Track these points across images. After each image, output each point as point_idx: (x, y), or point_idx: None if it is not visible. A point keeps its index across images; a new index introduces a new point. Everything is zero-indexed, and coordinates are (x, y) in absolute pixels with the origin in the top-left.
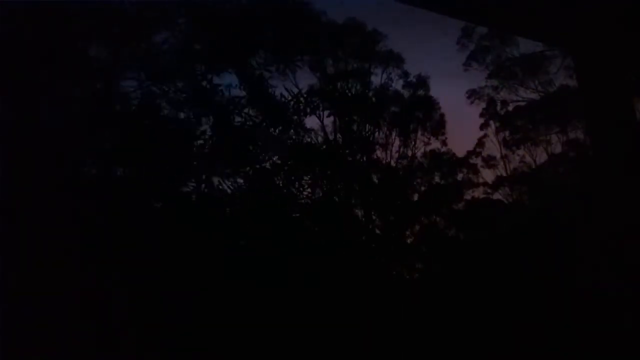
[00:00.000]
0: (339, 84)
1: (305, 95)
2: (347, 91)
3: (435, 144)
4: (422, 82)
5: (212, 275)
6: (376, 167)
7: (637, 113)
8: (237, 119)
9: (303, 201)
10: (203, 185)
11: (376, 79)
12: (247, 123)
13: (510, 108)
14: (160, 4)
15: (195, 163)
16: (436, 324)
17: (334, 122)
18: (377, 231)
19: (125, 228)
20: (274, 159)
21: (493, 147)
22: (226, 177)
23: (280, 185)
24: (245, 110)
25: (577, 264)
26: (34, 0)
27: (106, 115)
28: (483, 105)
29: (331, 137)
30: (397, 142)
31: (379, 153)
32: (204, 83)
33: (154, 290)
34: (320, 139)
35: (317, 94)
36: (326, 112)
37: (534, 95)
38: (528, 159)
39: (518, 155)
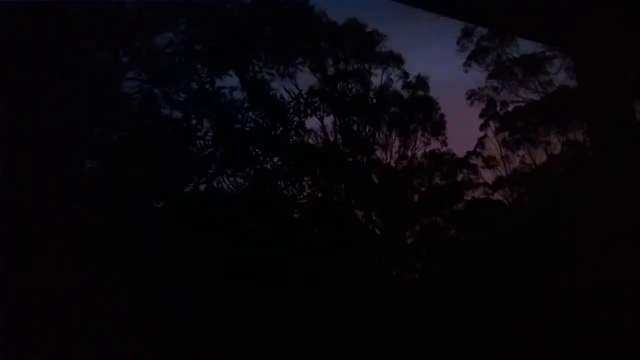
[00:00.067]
0: (339, 85)
1: (305, 96)
2: (347, 92)
3: (435, 145)
4: (422, 82)
5: (212, 276)
6: (376, 167)
7: (637, 113)
8: (238, 120)
9: (303, 202)
10: (204, 186)
11: (376, 80)
12: (248, 125)
13: (510, 109)
14: (161, 4)
15: (195, 164)
16: (436, 324)
17: (334, 122)
18: (377, 231)
19: (125, 228)
20: (275, 159)
21: (493, 148)
22: (226, 178)
23: (281, 185)
24: (246, 112)
25: (577, 264)
26: (34, 0)
27: (106, 116)
28: (483, 106)
29: (331, 138)
30: (397, 143)
31: (379, 153)
32: (206, 85)
33: (154, 291)
34: (320, 139)
35: (317, 94)
36: (326, 113)
37: (534, 96)
38: (528, 159)
39: (518, 155)
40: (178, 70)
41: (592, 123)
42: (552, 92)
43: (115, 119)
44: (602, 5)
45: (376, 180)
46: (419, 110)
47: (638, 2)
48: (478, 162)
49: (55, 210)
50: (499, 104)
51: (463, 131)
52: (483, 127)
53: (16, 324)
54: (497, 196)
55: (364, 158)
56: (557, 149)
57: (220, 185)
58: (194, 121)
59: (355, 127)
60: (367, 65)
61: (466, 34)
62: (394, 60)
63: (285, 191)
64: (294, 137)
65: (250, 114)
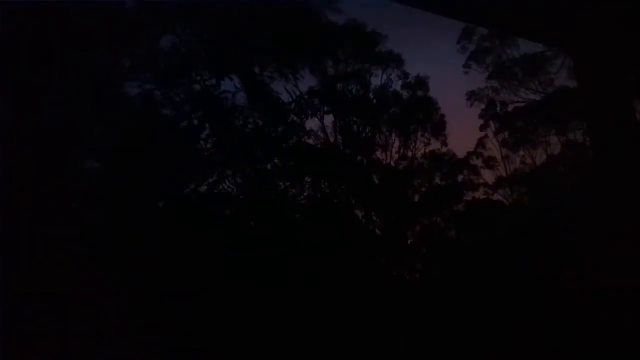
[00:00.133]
0: (338, 85)
1: (306, 97)
2: (347, 92)
3: (435, 145)
4: (421, 82)
5: (212, 276)
6: (376, 167)
7: (637, 113)
8: (239, 120)
9: (303, 202)
10: (204, 186)
11: (376, 80)
12: (249, 126)
13: (510, 109)
14: (161, 4)
15: (196, 164)
16: (436, 324)
17: (334, 123)
18: (377, 232)
19: (125, 228)
20: (275, 160)
21: (493, 148)
22: (227, 178)
23: (281, 186)
24: (247, 113)
25: (577, 264)
26: (34, 0)
27: (107, 116)
28: (483, 106)
29: (331, 138)
30: (397, 143)
31: (379, 154)
32: (207, 86)
33: (154, 290)
34: (320, 140)
35: (317, 95)
36: (326, 113)
37: (535, 96)
38: (528, 159)
39: (518, 155)
40: (179, 71)
41: (592, 123)
42: (552, 92)
43: (115, 119)
44: (602, 5)
45: (376, 181)
46: (419, 110)
47: (638, 2)
48: (478, 162)
49: (55, 210)
50: (498, 105)
51: (463, 131)
52: (483, 127)
53: (16, 324)
54: (497, 196)
55: (364, 158)
56: (557, 149)
57: (220, 186)
58: (195, 122)
59: (355, 128)
60: (367, 66)
61: (466, 34)
62: (394, 60)
63: (285, 191)
64: (294, 139)
65: (251, 115)
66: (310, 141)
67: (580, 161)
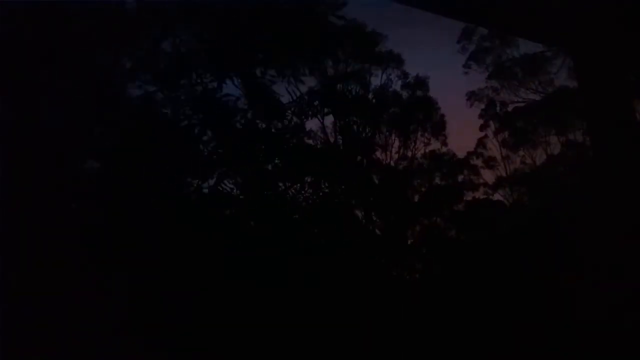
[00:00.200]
0: (338, 86)
1: (306, 98)
2: (347, 93)
3: (435, 145)
4: (421, 82)
5: (212, 276)
6: (376, 168)
7: (637, 113)
8: (239, 121)
9: (303, 202)
10: (204, 187)
11: (376, 80)
12: (249, 127)
13: (510, 109)
14: (162, 4)
15: (196, 164)
16: (437, 324)
17: (334, 123)
18: (378, 232)
19: (125, 228)
20: (276, 161)
21: (493, 148)
22: (227, 179)
23: (281, 186)
24: (247, 113)
25: (577, 264)
26: (34, 0)
27: (107, 116)
28: (482, 106)
29: (331, 139)
30: (397, 143)
31: (379, 154)
32: (208, 87)
33: (154, 291)
34: (320, 140)
35: (318, 95)
36: (326, 114)
37: (535, 96)
38: (528, 159)
39: (518, 155)
40: (179, 71)
41: (592, 123)
42: (552, 92)
43: (115, 119)
44: (602, 5)
45: (376, 181)
46: (419, 110)
47: (638, 2)
48: (478, 162)
49: (55, 210)
50: (498, 105)
51: (463, 131)
52: (483, 127)
53: (16, 324)
54: (497, 196)
55: (364, 158)
56: (557, 149)
57: (221, 186)
58: (195, 122)
59: (355, 128)
60: (367, 66)
61: (466, 34)
62: (394, 60)
63: (285, 192)
64: (294, 139)
65: (251, 115)
66: (310, 141)
67: (580, 161)
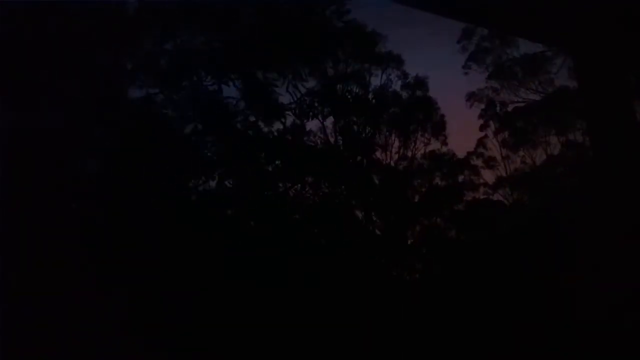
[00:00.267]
0: (338, 86)
1: (306, 98)
2: (346, 93)
3: (435, 145)
4: (421, 83)
5: (213, 276)
6: (376, 168)
7: (637, 113)
8: (240, 122)
9: (303, 202)
10: (205, 187)
11: (376, 80)
12: (250, 128)
13: (510, 109)
14: (162, 5)
15: (196, 165)
16: (436, 325)
17: (334, 123)
18: (377, 232)
19: (126, 228)
20: (277, 162)
21: (493, 148)
22: (227, 179)
23: (281, 186)
24: (247, 114)
25: (577, 264)
26: (34, 0)
27: (107, 116)
28: (482, 106)
29: (331, 139)
30: (397, 143)
31: (379, 154)
32: (208, 88)
33: (154, 291)
34: (320, 140)
35: (317, 96)
36: (326, 114)
37: (535, 96)
38: (528, 159)
39: (518, 156)
40: (179, 71)
41: (592, 123)
42: (552, 92)
43: (115, 120)
44: (602, 5)
45: (376, 181)
46: (419, 110)
47: (638, 2)
48: (478, 162)
49: (55, 211)
50: (498, 105)
51: (463, 132)
52: (483, 127)
53: (16, 324)
54: (497, 196)
55: (364, 159)
56: (557, 149)
57: (221, 187)
58: (196, 123)
59: (355, 128)
60: (366, 66)
61: (466, 34)
62: (394, 60)
63: (285, 192)
64: (295, 140)
65: (252, 116)
66: (310, 142)
67: (580, 161)
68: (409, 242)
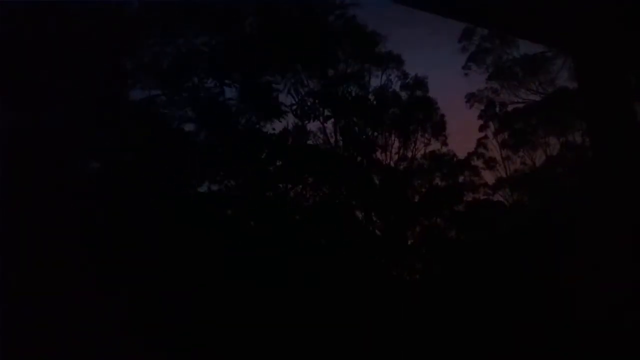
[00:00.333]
0: (338, 87)
1: (306, 99)
2: (346, 93)
3: (435, 145)
4: (421, 83)
5: (213, 276)
6: (376, 168)
7: (637, 114)
8: (240, 122)
9: (304, 202)
10: (205, 187)
11: (376, 81)
12: (251, 128)
13: (509, 109)
14: (162, 5)
15: (197, 165)
16: (436, 325)
17: (335, 124)
18: (378, 232)
19: (126, 228)
20: (277, 162)
21: (493, 149)
22: (228, 180)
23: (281, 187)
24: (248, 114)
25: (577, 264)
26: (34, 0)
27: (107, 117)
28: (482, 107)
29: (332, 139)
30: (397, 144)
31: (379, 154)
32: (210, 89)
33: (154, 290)
34: (320, 141)
35: (318, 96)
36: (327, 115)
37: (535, 97)
38: (528, 160)
39: (518, 156)
40: (179, 71)
41: (592, 123)
42: (552, 93)
43: (116, 120)
44: (602, 5)
45: (376, 181)
46: (419, 111)
47: (638, 2)
48: (478, 163)
49: (55, 211)
50: (498, 105)
51: (463, 132)
52: (483, 128)
53: (16, 324)
54: (497, 197)
55: (365, 159)
56: (556, 149)
57: (221, 187)
58: (196, 122)
59: (355, 129)
60: (366, 66)
61: (466, 34)
62: (394, 61)
63: (285, 192)
64: (295, 141)
65: (253, 117)
66: (311, 142)
67: (580, 162)
68: (409, 242)
